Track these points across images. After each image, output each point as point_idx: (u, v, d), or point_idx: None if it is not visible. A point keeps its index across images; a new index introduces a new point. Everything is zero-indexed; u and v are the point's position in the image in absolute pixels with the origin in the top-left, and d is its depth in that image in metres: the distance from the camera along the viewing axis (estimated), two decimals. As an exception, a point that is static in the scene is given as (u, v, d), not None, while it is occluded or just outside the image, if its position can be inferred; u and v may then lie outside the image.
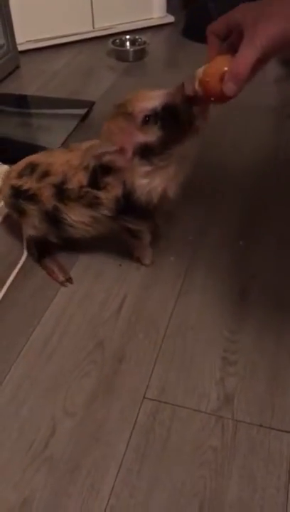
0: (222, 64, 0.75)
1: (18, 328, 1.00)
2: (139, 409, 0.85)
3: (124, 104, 0.88)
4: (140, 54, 2.08)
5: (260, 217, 1.25)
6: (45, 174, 1.00)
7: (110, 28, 2.22)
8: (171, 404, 0.86)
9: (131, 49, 2.08)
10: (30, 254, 1.15)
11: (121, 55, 2.07)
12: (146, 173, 0.90)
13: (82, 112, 1.65)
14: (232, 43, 0.77)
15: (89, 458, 0.80)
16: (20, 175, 1.04)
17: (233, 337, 0.97)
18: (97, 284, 1.08)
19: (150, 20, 2.30)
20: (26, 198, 1.03)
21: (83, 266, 1.13)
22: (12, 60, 1.99)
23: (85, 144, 0.99)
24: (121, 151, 0.87)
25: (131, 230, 1.02)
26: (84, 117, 1.65)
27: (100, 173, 0.93)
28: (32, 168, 1.03)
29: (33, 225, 1.06)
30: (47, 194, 1.00)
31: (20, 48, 2.05)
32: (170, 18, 2.35)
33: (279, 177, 1.38)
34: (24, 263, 1.14)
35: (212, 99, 0.79)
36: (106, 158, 0.88)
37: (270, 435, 0.82)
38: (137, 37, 2.14)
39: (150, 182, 0.91)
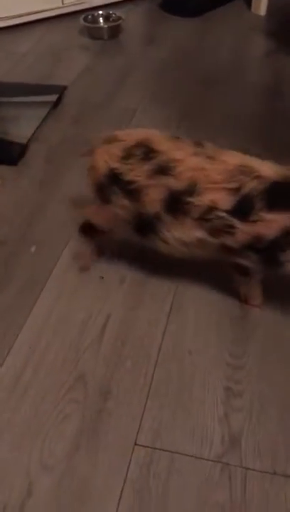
0: None
1: (-15, 360, 0.85)
2: (130, 460, 0.72)
3: None
4: (115, 31, 1.89)
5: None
6: (164, 170, 0.77)
7: (81, 2, 2.02)
8: (168, 452, 0.72)
9: (106, 25, 1.90)
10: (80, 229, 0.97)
11: (94, 33, 1.88)
12: None
13: (52, 98, 1.48)
14: None
15: (73, 526, 0.66)
16: (126, 154, 0.80)
17: (237, 362, 0.83)
18: (75, 302, 0.94)
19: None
20: (124, 190, 0.80)
21: (58, 278, 0.98)
22: (-26, 41, 1.80)
23: (234, 158, 0.78)
24: None
25: (243, 267, 0.82)
26: (55, 104, 1.48)
27: (260, 204, 0.74)
28: (146, 151, 0.79)
29: (111, 221, 0.86)
30: (155, 197, 0.78)
31: (-18, 28, 1.86)
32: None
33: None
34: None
35: None
36: None
37: (286, 485, 0.69)
38: (111, 12, 1.96)
39: None
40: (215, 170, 0.76)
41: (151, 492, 0.68)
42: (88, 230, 0.93)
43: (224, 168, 0.76)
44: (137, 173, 0.79)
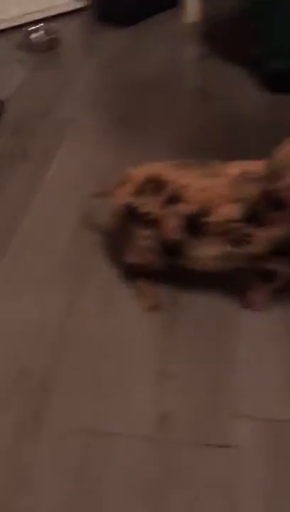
0: None
1: None
2: (70, 446, 0.77)
3: None
4: (53, 43, 1.95)
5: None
6: (175, 199, 0.82)
7: (18, 17, 2.07)
8: (105, 434, 0.78)
9: (44, 39, 1.95)
10: (125, 273, 1.00)
11: (31, 47, 1.93)
12: None
13: (-9, 112, 1.52)
14: None
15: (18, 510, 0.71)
16: (138, 191, 0.86)
17: (168, 345, 0.89)
18: (16, 304, 0.98)
19: (58, 7, 2.16)
20: (143, 222, 0.86)
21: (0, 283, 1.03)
22: None
23: (233, 168, 0.82)
24: None
25: (273, 274, 0.85)
26: (-6, 118, 1.52)
27: (267, 207, 0.77)
28: (156, 185, 0.85)
29: (140, 253, 0.91)
30: (173, 225, 0.83)
31: None
32: (80, 4, 2.22)
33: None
34: None
35: None
36: (285, 194, 0.73)
37: (213, 453, 0.75)
38: (49, 25, 2.01)
39: None
40: (221, 186, 0.80)
41: (90, 473, 0.73)
42: (134, 271, 0.96)
43: (227, 181, 0.80)
44: (151, 205, 0.84)
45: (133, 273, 0.97)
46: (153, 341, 0.90)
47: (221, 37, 1.95)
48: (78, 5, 2.22)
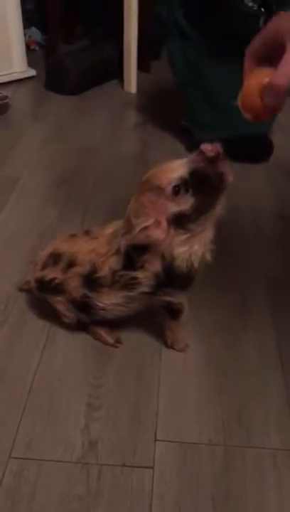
0: (261, 77, 0.74)
1: None
2: (5, 471, 0.85)
3: (149, 179, 0.88)
4: (3, 108, 2.11)
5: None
6: (71, 264, 0.99)
7: None
8: (37, 460, 0.87)
9: (-6, 103, 2.11)
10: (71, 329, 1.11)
11: (-17, 110, 2.09)
12: (184, 240, 0.90)
13: None
14: (270, 57, 0.76)
15: None
16: (44, 266, 1.04)
17: (97, 382, 1.01)
18: None
19: (11, 74, 2.35)
20: (51, 289, 1.02)
21: None
22: None
23: (108, 229, 0.99)
24: (157, 223, 0.87)
25: (171, 305, 0.99)
26: None
27: (135, 253, 0.92)
28: (55, 258, 1.02)
29: (64, 315, 1.06)
30: (74, 284, 0.99)
31: None
32: (32, 72, 2.43)
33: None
34: None
35: (254, 116, 0.79)
36: (144, 234, 0.87)
37: (133, 473, 0.86)
38: (-1, 92, 2.18)
39: (189, 248, 0.90)
40: (101, 245, 0.97)
41: (22, 492, 0.82)
42: (76, 325, 1.09)
43: (105, 240, 0.98)
44: (54, 273, 1.01)
45: (78, 326, 1.10)
46: (85, 379, 1.01)
47: (156, 107, 2.19)
48: (31, 73, 2.41)
